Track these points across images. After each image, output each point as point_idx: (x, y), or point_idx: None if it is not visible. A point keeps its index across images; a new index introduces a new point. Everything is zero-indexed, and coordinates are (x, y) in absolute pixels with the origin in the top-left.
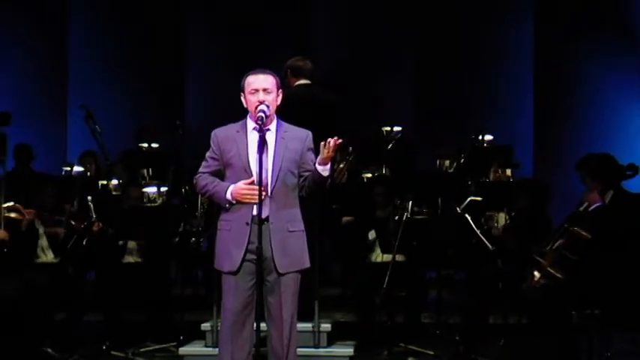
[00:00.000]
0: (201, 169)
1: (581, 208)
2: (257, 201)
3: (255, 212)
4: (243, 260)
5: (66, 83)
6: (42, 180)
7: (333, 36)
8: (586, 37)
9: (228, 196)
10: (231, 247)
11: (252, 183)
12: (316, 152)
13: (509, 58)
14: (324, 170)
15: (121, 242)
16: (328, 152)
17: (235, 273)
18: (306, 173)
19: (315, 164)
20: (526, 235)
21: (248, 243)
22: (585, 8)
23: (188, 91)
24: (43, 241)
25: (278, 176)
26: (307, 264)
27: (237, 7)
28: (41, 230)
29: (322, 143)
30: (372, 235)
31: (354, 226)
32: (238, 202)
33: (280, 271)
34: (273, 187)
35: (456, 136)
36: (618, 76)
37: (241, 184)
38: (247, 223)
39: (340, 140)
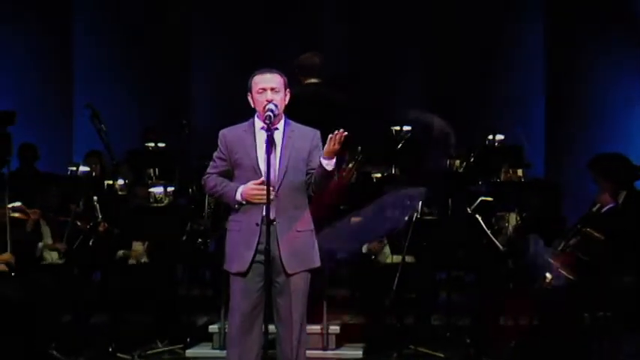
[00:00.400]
0: (209, 170)
1: (594, 209)
2: (267, 201)
3: (264, 212)
4: (253, 261)
5: (71, 82)
6: (47, 180)
7: (340, 36)
8: (597, 37)
9: (238, 196)
10: (241, 248)
11: (262, 183)
12: None
13: (520, 58)
14: (329, 165)
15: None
16: (333, 145)
17: (244, 274)
18: (313, 171)
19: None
20: (537, 235)
21: (258, 244)
22: (596, 8)
23: (194, 91)
24: (48, 241)
25: (285, 175)
26: (317, 263)
27: (243, 6)
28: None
29: (330, 136)
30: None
31: None
32: (248, 203)
33: (289, 271)
34: (280, 186)
35: (467, 136)
36: (630, 75)
37: (251, 184)
38: (257, 224)
39: (345, 133)
